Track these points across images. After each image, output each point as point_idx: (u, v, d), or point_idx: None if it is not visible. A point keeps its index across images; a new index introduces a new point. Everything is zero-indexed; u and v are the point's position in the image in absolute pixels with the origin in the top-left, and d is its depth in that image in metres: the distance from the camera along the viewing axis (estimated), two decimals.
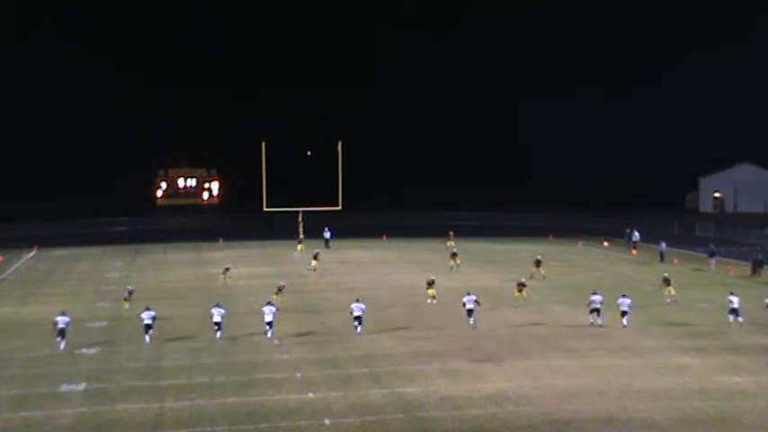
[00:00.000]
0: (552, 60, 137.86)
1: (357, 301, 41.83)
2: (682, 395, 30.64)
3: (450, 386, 31.70)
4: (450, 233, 75.66)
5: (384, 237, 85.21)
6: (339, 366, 34.64)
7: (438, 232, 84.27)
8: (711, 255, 63.38)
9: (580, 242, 79.16)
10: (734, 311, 42.05)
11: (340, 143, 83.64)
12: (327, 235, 76.30)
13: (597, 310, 42.08)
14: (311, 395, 30.73)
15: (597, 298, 42.49)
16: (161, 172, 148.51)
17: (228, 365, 34.86)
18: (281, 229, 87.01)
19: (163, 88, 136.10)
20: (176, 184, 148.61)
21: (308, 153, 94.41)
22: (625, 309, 41.74)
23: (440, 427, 27.47)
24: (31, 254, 76.79)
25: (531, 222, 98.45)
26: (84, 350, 37.76)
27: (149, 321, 39.66)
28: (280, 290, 48.71)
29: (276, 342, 38.93)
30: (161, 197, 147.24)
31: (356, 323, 40.61)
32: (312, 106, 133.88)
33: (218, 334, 39.83)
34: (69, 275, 62.98)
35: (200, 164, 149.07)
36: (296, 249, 72.70)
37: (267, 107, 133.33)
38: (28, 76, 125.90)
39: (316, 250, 66.12)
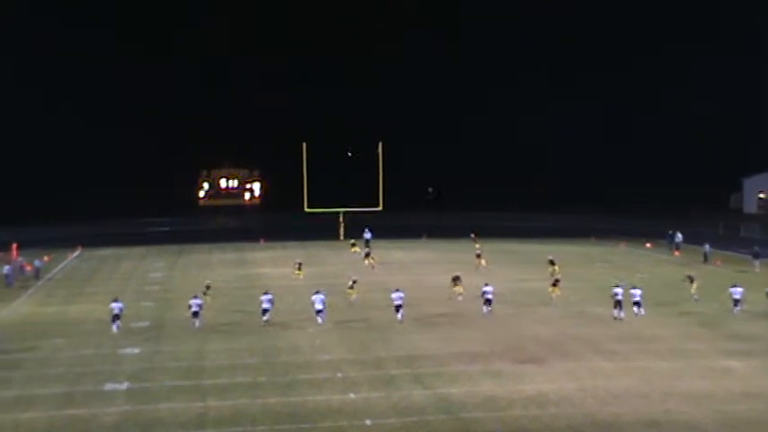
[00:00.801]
0: (587, 55, 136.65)
1: (396, 290, 44.61)
2: (725, 398, 30.23)
3: (492, 387, 31.54)
4: (472, 234, 75.53)
5: (424, 237, 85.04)
6: (381, 367, 34.59)
7: (479, 233, 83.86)
8: (756, 256, 62.51)
9: (622, 244, 78.47)
10: (736, 302, 44.52)
11: (380, 144, 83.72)
12: (368, 236, 76.22)
13: (619, 303, 43.25)
14: (353, 396, 30.70)
15: (619, 290, 43.65)
16: (203, 173, 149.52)
17: (270, 366, 34.95)
18: (322, 230, 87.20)
19: (208, 88, 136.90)
20: (219, 185, 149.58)
21: (349, 154, 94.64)
22: (637, 299, 43.61)
23: (482, 429, 27.33)
24: (76, 253, 77.61)
25: (572, 223, 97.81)
26: (127, 350, 38.06)
27: (197, 309, 42.94)
28: (354, 283, 49.45)
29: (317, 342, 38.97)
30: (203, 198, 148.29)
31: (398, 312, 43.44)
32: (353, 107, 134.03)
33: (266, 317, 42.79)
34: (113, 275, 63.53)
35: (243, 164, 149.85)
36: (350, 250, 72.24)
37: (309, 107, 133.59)
38: (73, 76, 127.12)
39: (366, 249, 66.51)
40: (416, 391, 31.17)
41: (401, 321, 42.91)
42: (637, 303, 44.13)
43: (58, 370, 34.72)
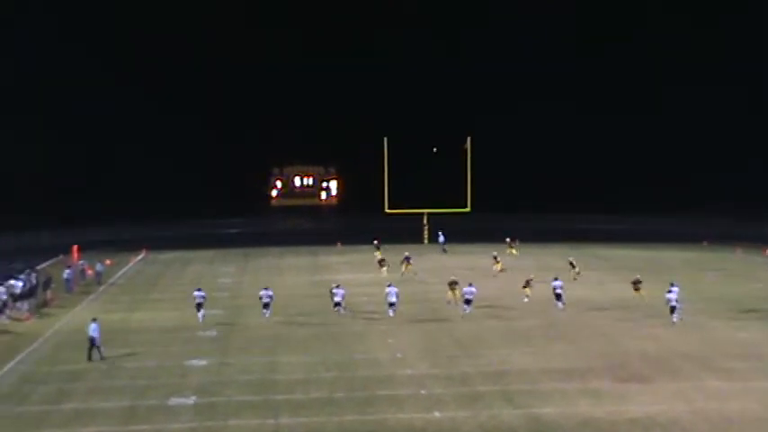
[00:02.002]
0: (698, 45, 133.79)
1: (470, 285, 48.60)
2: None
3: (591, 408, 31.15)
4: (508, 239, 75.05)
5: (515, 241, 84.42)
6: (468, 383, 34.45)
7: (572, 237, 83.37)
8: None
9: (738, 249, 76.92)
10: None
11: (468, 139, 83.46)
12: (441, 239, 76.05)
13: (673, 308, 44.94)
14: (437, 414, 30.63)
15: (672, 296, 45.29)
16: (276, 170, 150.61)
17: (347, 380, 35.06)
18: (404, 233, 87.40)
19: (281, 82, 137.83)
20: (292, 183, 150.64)
21: (434, 150, 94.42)
22: (674, 304, 45.00)
23: None
24: (140, 257, 79.06)
25: (682, 228, 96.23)
26: (193, 361, 38.55)
27: (267, 300, 47.98)
28: (454, 284, 50.85)
29: (399, 355, 39.00)
30: (276, 197, 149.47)
31: (465, 306, 47.74)
32: (439, 98, 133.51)
33: (339, 308, 47.84)
34: (179, 280, 64.53)
35: (318, 161, 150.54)
36: (375, 256, 71.81)
37: (390, 98, 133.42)
38: (143, 68, 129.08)
39: (405, 253, 66.25)
40: (506, 410, 30.95)
41: (466, 312, 47.43)
42: (673, 309, 45.11)
43: (120, 382, 35.34)
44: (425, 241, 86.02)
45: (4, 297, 49.93)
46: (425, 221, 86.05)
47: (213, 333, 44.78)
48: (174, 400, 32.69)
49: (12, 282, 52.49)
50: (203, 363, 38.29)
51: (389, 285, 48.93)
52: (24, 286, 52.06)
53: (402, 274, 62.51)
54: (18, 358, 39.59)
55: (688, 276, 61.16)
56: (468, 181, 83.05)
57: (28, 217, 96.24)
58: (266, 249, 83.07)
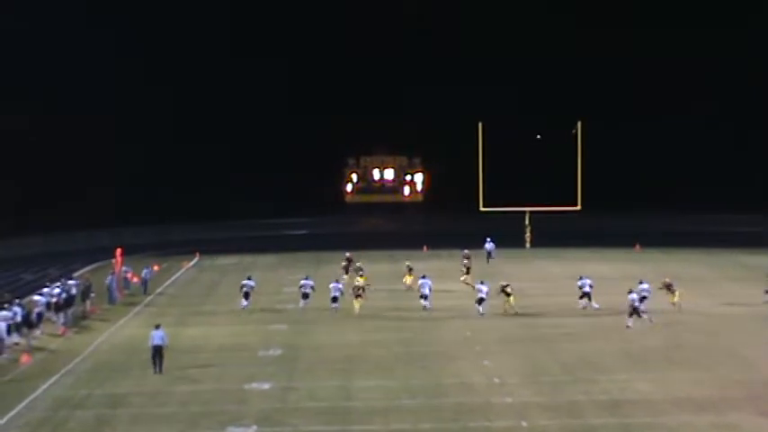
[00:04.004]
0: None
1: (581, 277, 55.34)
2: None
3: None
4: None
5: (636, 247, 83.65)
6: (578, 414, 34.23)
7: (707, 241, 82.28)
8: None
9: None
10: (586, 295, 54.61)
11: (579, 124, 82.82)
12: (489, 246, 75.15)
13: (636, 310, 48.91)
14: None
15: (635, 296, 49.55)
16: (351, 161, 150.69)
17: (434, 409, 35.03)
18: (502, 236, 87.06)
19: (356, 55, 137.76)
20: (371, 176, 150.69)
21: (538, 137, 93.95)
22: (637, 305, 48.77)
23: None
24: (192, 262, 79.95)
25: None
26: (254, 384, 38.83)
27: (308, 291, 54.27)
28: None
29: (496, 380, 38.88)
30: (351, 192, 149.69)
31: (583, 299, 53.69)
32: (544, 74, 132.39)
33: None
34: (237, 290, 65.04)
35: (401, 150, 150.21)
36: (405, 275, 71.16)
37: (486, 76, 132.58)
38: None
39: (465, 259, 66.07)
40: None
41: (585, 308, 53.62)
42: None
43: (169, 409, 35.75)
44: (527, 245, 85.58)
45: (40, 308, 50.84)
46: (527, 221, 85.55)
47: (277, 352, 45.06)
48: (231, 430, 32.98)
49: (47, 290, 53.50)
50: (265, 387, 38.55)
51: (481, 283, 53.96)
52: (60, 295, 52.89)
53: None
54: (52, 379, 40.28)
55: None
56: (579, 173, 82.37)
57: (63, 216, 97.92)
58: (339, 254, 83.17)
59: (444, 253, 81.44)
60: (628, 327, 48.85)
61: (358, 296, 54.60)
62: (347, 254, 68.40)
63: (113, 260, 71.17)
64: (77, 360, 44.07)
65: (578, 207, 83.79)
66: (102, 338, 49.18)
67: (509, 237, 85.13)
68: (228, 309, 57.21)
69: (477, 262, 71.88)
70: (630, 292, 50.44)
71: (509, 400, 36.16)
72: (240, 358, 43.61)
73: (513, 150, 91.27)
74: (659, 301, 53.27)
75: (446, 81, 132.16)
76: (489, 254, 74.98)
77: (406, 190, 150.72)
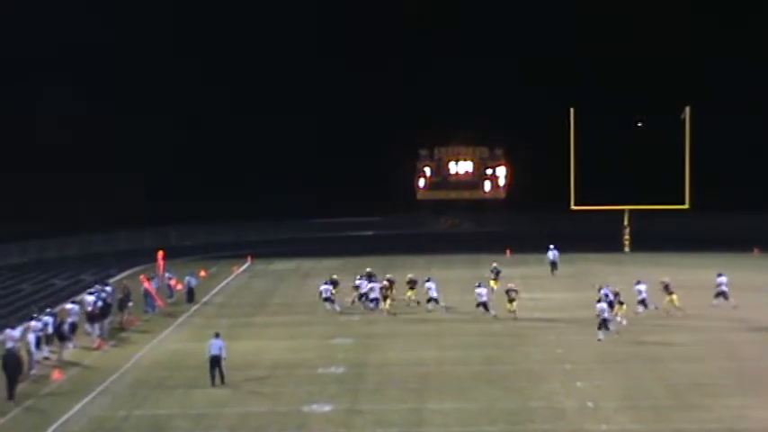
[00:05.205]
0: None
1: (479, 285, 57.33)
2: None
3: None
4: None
5: (755, 251, 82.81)
6: None
7: None
8: None
9: None
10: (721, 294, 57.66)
11: (687, 109, 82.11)
12: (552, 255, 74.04)
13: (605, 321, 50.15)
14: None
15: (603, 305, 50.65)
16: (424, 152, 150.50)
17: None
18: (598, 237, 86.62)
19: (428, 31, 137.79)
20: (446, 170, 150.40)
21: (639, 123, 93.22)
22: (606, 316, 50.12)
23: None
24: (244, 267, 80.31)
25: None
26: (313, 406, 38.88)
27: (377, 296, 57.96)
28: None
29: (589, 404, 38.63)
30: (424, 188, 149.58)
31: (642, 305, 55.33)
32: (645, 51, 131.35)
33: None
34: (295, 299, 65.25)
35: (481, 140, 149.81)
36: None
37: (580, 56, 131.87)
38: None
39: (490, 268, 65.82)
40: None
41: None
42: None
43: None
44: (626, 248, 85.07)
45: (73, 318, 51.32)
46: (626, 221, 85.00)
47: (340, 370, 45.15)
48: None
49: (84, 298, 54.01)
50: (326, 409, 38.63)
51: (479, 286, 57.34)
52: (96, 304, 53.30)
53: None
54: (87, 398, 40.64)
55: None
56: (687, 167, 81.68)
57: (99, 216, 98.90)
58: (410, 258, 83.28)
59: (531, 258, 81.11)
60: (599, 340, 49.72)
61: (386, 297, 58.25)
62: (388, 276, 64.05)
63: (155, 264, 71.84)
64: (114, 377, 44.43)
65: (686, 205, 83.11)
66: (142, 353, 49.53)
67: (605, 239, 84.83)
68: (284, 320, 57.41)
69: (541, 272, 71.79)
70: (599, 300, 51.27)
71: (604, 427, 35.96)
72: (298, 377, 43.69)
73: (611, 140, 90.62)
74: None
75: (533, 59, 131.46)
76: (554, 264, 73.51)
77: (487, 185, 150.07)
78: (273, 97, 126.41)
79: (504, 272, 72.58)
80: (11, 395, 40.18)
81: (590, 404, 38.80)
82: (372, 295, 59.03)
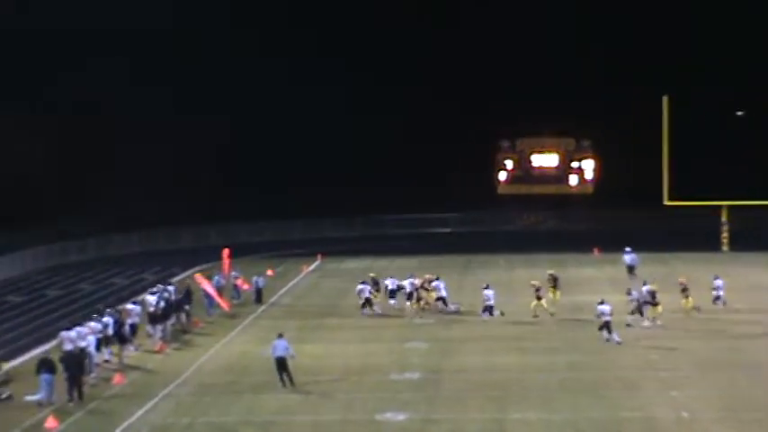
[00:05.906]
0: None
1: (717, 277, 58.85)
2: None
3: None
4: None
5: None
6: None
7: None
8: None
9: None
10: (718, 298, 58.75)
11: None
12: (629, 258, 72.85)
13: (607, 324, 50.51)
14: None
15: (606, 307, 50.76)
16: (505, 144, 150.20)
17: None
18: (693, 235, 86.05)
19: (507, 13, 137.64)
20: (528, 163, 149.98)
21: (739, 113, 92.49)
22: (607, 318, 50.41)
23: None
24: (313, 265, 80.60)
25: None
26: (387, 415, 38.94)
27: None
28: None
29: (685, 414, 38.44)
30: (505, 182, 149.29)
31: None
32: (743, 35, 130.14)
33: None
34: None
35: (567, 131, 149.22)
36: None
37: (672, 41, 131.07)
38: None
39: (546, 276, 64.36)
40: None
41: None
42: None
43: None
44: (724, 247, 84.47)
45: (134, 319, 51.84)
46: (725, 218, 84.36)
47: (415, 376, 45.22)
48: None
49: (145, 298, 54.54)
50: (401, 418, 38.70)
51: (487, 287, 58.74)
52: (158, 305, 53.73)
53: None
54: (149, 404, 41.05)
55: None
56: None
57: (161, 211, 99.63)
58: (490, 258, 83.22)
59: (621, 256, 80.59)
60: (607, 341, 50.49)
61: (410, 299, 58.88)
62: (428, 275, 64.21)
63: (220, 263, 72.25)
64: (178, 382, 44.83)
65: None
66: (206, 356, 49.92)
67: (701, 237, 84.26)
68: (356, 323, 57.55)
69: (619, 274, 71.37)
70: (601, 302, 51.46)
71: None
72: (370, 383, 43.84)
73: (708, 130, 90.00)
74: None
75: (624, 45, 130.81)
76: (631, 268, 72.22)
77: (573, 179, 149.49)
78: (358, 94, 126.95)
79: (591, 272, 72.58)
80: (71, 397, 40.69)
81: (685, 414, 38.54)
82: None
